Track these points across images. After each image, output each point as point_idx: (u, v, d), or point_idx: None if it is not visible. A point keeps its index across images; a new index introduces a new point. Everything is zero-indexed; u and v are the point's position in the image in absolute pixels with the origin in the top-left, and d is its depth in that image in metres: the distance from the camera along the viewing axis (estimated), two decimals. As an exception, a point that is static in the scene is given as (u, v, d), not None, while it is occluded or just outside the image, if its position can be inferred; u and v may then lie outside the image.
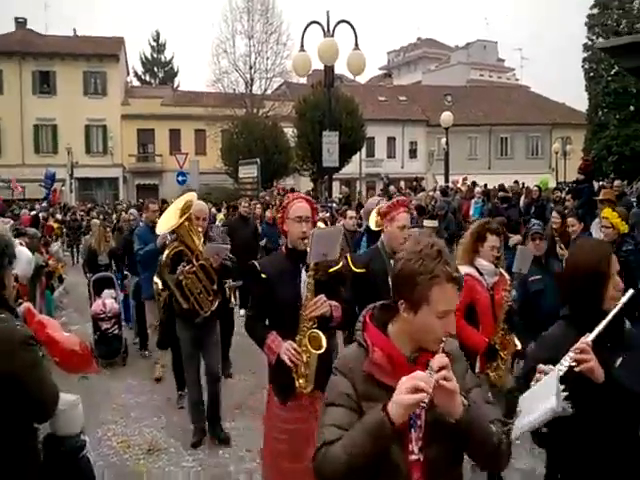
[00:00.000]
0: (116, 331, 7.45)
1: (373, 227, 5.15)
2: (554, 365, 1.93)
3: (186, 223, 4.47)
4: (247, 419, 5.48)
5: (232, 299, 6.56)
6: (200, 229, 4.76)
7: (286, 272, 3.16)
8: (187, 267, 4.48)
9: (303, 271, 3.12)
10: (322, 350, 3.04)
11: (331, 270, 3.18)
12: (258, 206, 12.56)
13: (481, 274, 3.94)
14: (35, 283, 8.75)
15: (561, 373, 1.86)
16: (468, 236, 4.10)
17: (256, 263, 3.26)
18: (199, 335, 4.79)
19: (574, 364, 1.89)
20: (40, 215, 15.66)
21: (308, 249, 3.05)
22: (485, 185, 15.77)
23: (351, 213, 7.54)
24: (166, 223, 4.62)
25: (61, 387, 2.40)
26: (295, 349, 3.06)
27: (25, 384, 2.17)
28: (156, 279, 5.14)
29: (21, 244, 7.52)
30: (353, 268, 3.62)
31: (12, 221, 10.82)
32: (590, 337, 1.93)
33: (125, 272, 8.53)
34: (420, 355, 1.67)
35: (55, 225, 16.90)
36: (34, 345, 2.29)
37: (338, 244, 3.11)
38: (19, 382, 2.15)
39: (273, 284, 3.15)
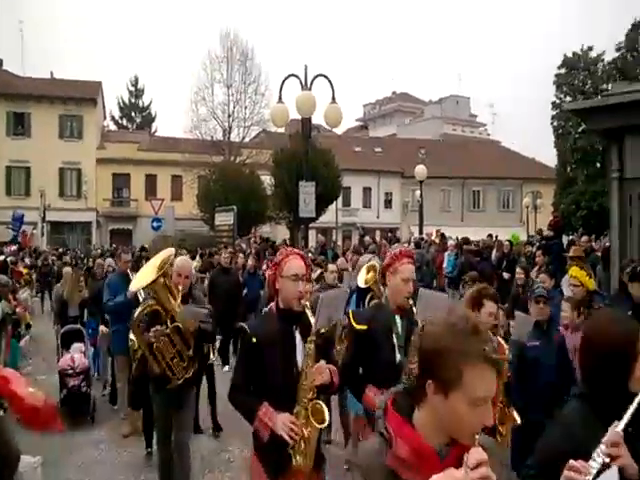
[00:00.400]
0: (84, 388, 7.01)
1: (362, 284, 5.04)
2: (580, 458, 1.70)
3: (162, 279, 4.16)
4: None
5: (211, 354, 6.22)
6: (181, 287, 4.41)
7: (279, 336, 2.89)
8: (160, 329, 4.09)
9: (297, 335, 2.91)
10: (325, 424, 2.83)
11: (322, 332, 3.10)
12: (241, 256, 12.40)
13: None
14: (1, 332, 8.49)
15: (594, 471, 1.64)
16: (465, 303, 3.90)
17: (245, 325, 2.95)
18: (172, 400, 4.41)
19: (607, 460, 1.67)
20: (8, 259, 15.29)
21: (310, 314, 2.90)
22: (457, 238, 15.98)
23: (332, 267, 7.45)
24: (142, 279, 4.33)
25: (23, 441, 2.29)
26: (294, 423, 2.75)
27: None
28: (132, 336, 4.77)
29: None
30: (355, 325, 3.43)
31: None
32: (620, 426, 1.72)
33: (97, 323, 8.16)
34: (452, 448, 1.43)
35: (24, 270, 16.48)
36: None
37: (343, 307, 3.17)
38: None
39: (264, 349, 2.85)
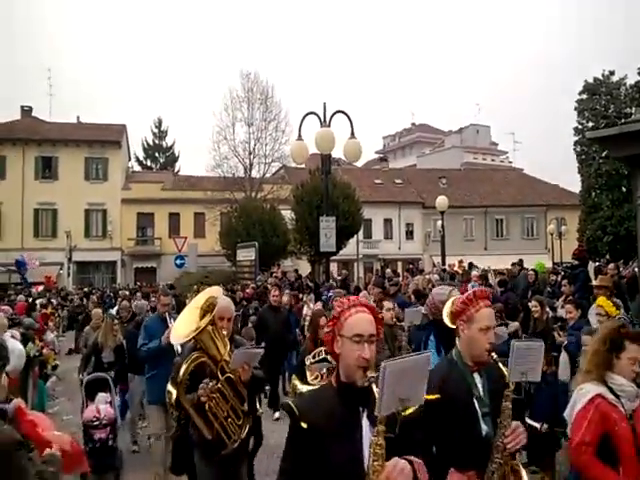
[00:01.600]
0: (111, 442, 6.48)
1: (448, 322, 3.85)
2: None
3: (209, 327, 3.49)
4: None
5: (258, 405, 5.59)
6: (225, 332, 3.73)
7: (339, 421, 2.12)
8: (210, 384, 3.39)
9: (365, 419, 2.13)
10: None
11: (407, 413, 2.10)
12: (286, 292, 11.38)
13: (617, 396, 2.99)
14: (28, 373, 8.59)
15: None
16: (597, 343, 3.19)
17: (293, 405, 2.17)
18: (223, 471, 3.69)
19: None
20: (38, 302, 15.58)
21: (376, 390, 2.06)
22: (483, 269, 15.77)
23: (388, 304, 6.31)
24: (184, 328, 3.60)
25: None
26: None
27: None
28: (170, 387, 3.81)
29: (13, 337, 7.44)
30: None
31: (10, 309, 10.76)
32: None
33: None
34: None
35: (52, 311, 16.73)
36: (20, 450, 2.25)
37: (424, 383, 2.11)
38: None
39: (320, 439, 2.11)
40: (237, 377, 3.54)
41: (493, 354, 2.69)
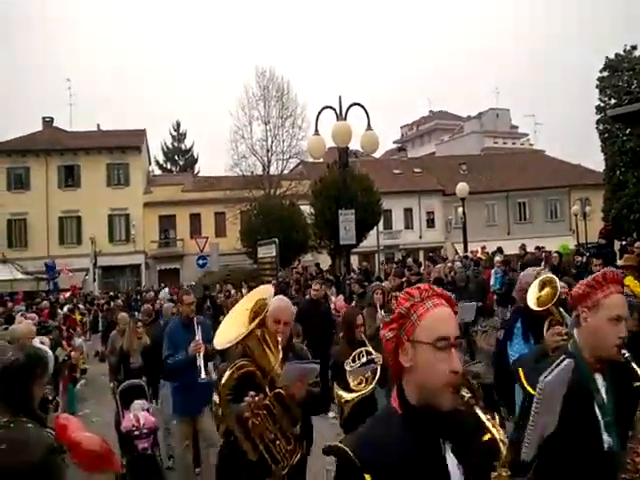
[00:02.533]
0: (154, 451, 6.16)
1: (534, 306, 3.61)
2: None
3: (258, 331, 2.98)
4: None
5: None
6: (280, 337, 3.16)
7: (416, 464, 1.53)
8: (256, 398, 2.86)
9: (450, 457, 1.58)
10: None
11: (485, 439, 1.56)
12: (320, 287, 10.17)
13: None
14: (58, 377, 8.76)
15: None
16: None
17: (348, 450, 1.57)
18: None
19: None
20: (66, 308, 15.88)
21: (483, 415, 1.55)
22: (502, 252, 15.58)
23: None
24: (230, 331, 3.08)
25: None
26: None
27: None
28: (215, 397, 3.25)
29: (42, 342, 7.58)
30: (532, 391, 1.93)
31: (36, 316, 10.98)
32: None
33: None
34: None
35: (79, 317, 17.03)
36: (58, 453, 2.34)
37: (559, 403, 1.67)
38: None
39: None
40: (290, 395, 2.96)
41: (624, 351, 2.18)
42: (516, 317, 4.02)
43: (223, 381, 2.93)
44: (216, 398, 3.18)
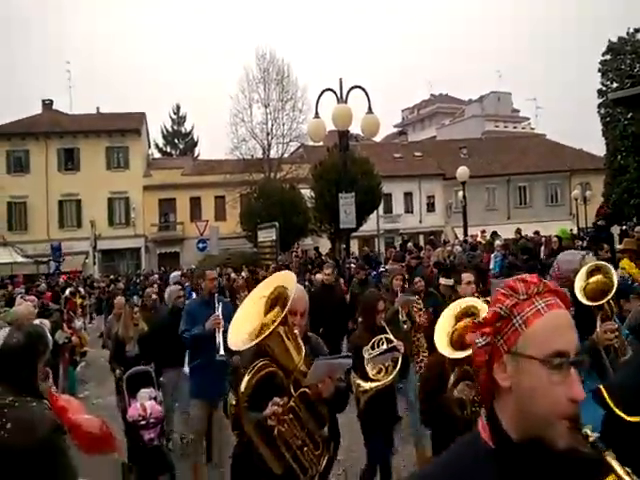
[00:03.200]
0: (161, 442, 5.92)
1: (583, 299, 3.09)
2: None
3: (280, 327, 2.53)
4: None
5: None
6: (297, 330, 2.78)
7: None
8: (281, 403, 2.50)
9: None
10: None
11: None
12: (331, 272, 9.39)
13: None
14: (58, 360, 8.81)
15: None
16: None
17: None
18: None
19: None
20: (67, 291, 15.91)
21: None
22: (513, 238, 15.59)
23: (469, 276, 5.11)
24: (245, 325, 2.65)
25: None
26: None
27: (54, 468, 2.21)
28: (232, 398, 2.87)
29: (42, 324, 7.60)
30: (622, 414, 1.66)
31: (36, 299, 11.01)
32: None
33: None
34: None
35: (79, 301, 17.07)
36: (62, 432, 2.37)
37: None
38: (49, 465, 2.20)
39: None
40: (315, 394, 2.64)
41: None
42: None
43: (242, 388, 2.51)
44: (232, 400, 2.82)
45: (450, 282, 8.16)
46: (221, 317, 4.85)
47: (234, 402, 2.93)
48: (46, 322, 8.23)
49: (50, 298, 13.08)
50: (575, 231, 20.66)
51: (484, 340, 1.21)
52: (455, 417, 2.82)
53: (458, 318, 2.96)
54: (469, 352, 2.63)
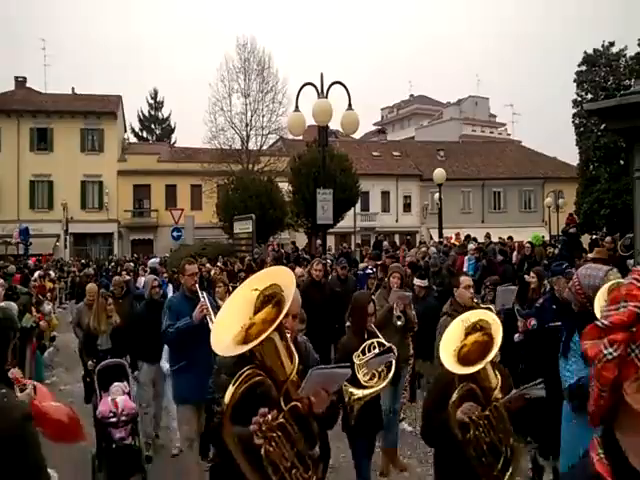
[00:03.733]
0: (132, 441, 5.49)
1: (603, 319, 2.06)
2: None
3: (275, 333, 2.13)
4: None
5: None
6: (289, 334, 2.41)
7: None
8: (269, 417, 2.16)
9: None
10: None
11: None
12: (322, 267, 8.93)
13: None
14: (25, 344, 8.64)
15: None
16: None
17: None
18: None
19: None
20: (36, 274, 15.58)
21: None
22: (482, 242, 15.81)
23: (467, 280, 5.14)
24: (231, 325, 2.22)
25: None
26: None
27: (24, 457, 2.16)
28: (219, 405, 2.46)
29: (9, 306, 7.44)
30: None
31: (3, 281, 10.76)
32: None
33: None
34: None
35: (49, 285, 16.74)
36: (32, 420, 2.30)
37: None
38: (18, 454, 2.14)
39: None
40: (305, 407, 2.31)
41: None
42: (572, 328, 3.23)
43: (227, 399, 2.13)
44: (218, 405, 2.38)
45: (425, 283, 8.27)
46: (208, 303, 4.72)
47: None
48: (13, 305, 8.09)
49: (19, 281, 12.77)
50: (547, 238, 21.05)
51: (615, 351, 0.92)
52: (456, 439, 2.69)
53: (467, 332, 2.80)
54: (478, 368, 2.63)
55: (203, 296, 4.85)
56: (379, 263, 11.47)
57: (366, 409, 4.09)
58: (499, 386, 2.77)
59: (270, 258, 16.00)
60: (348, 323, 4.72)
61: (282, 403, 2.23)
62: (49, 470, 2.81)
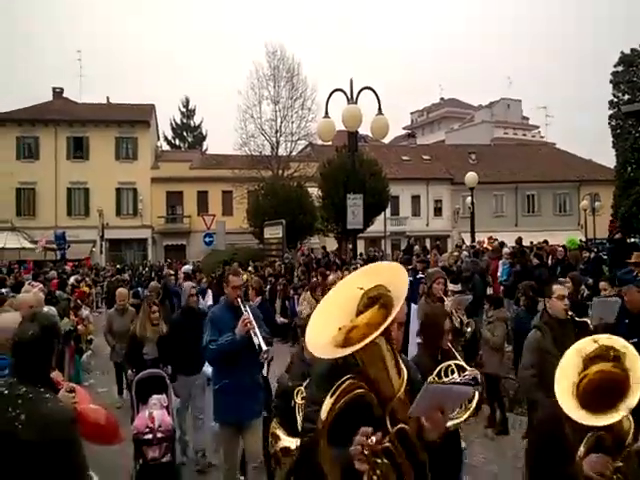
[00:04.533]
0: (167, 458, 5.15)
1: None
2: None
3: (382, 339, 1.84)
4: None
5: None
6: (395, 345, 2.00)
7: None
8: (373, 438, 1.76)
9: None
10: None
11: None
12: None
13: None
14: (64, 347, 8.86)
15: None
16: None
17: None
18: None
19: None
20: (73, 279, 15.96)
21: None
22: (514, 247, 15.48)
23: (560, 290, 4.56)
24: (329, 324, 1.92)
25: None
26: None
27: (68, 461, 2.21)
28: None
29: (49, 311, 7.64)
30: None
31: (42, 286, 11.06)
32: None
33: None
34: None
35: (86, 290, 17.11)
36: (76, 424, 2.36)
37: None
38: (63, 459, 2.19)
39: None
40: (415, 431, 1.91)
41: None
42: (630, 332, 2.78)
43: (324, 414, 1.80)
44: (280, 433, 2.24)
45: (458, 287, 8.24)
46: (251, 317, 4.49)
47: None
48: (54, 310, 8.30)
49: (56, 286, 13.12)
50: (583, 241, 20.63)
51: None
52: None
53: (586, 362, 2.25)
54: (617, 417, 2.04)
55: (246, 309, 4.61)
56: (410, 268, 11.41)
57: (445, 447, 3.24)
58: (632, 429, 2.19)
59: (300, 262, 16.09)
60: (419, 339, 4.16)
61: (388, 423, 1.86)
62: (90, 472, 2.88)
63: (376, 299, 1.89)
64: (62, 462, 2.24)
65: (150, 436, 5.07)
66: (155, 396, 5.40)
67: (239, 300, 4.70)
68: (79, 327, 10.65)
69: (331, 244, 27.72)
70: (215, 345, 4.46)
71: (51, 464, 2.20)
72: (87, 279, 20.03)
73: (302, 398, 3.11)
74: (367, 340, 1.73)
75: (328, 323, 1.91)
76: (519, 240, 16.46)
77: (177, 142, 57.26)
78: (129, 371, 6.16)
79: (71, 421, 2.34)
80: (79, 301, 12.91)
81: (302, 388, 3.15)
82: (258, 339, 4.32)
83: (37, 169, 36.99)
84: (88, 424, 2.96)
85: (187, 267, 12.67)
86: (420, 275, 8.78)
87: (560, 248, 13.78)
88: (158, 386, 5.55)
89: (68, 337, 9.13)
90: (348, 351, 1.77)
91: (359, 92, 11.95)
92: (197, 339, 4.84)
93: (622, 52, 34.22)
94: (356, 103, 11.75)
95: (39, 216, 36.92)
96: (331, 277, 9.75)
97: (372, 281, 1.94)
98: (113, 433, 3.27)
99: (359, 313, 1.90)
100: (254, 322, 4.43)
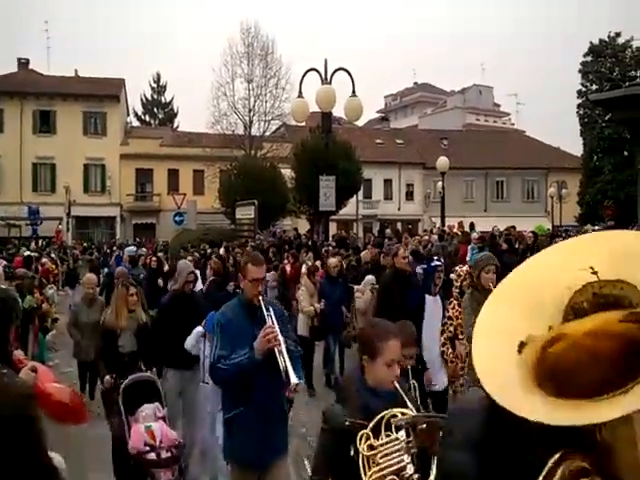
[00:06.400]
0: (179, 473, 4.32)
1: None
2: None
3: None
4: None
5: None
6: None
7: None
8: None
9: None
10: None
11: None
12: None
13: None
14: (28, 326, 8.69)
15: None
16: None
17: None
18: None
19: None
20: (31, 255, 15.61)
21: None
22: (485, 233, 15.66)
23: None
24: (509, 352, 0.94)
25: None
26: None
27: (27, 437, 2.16)
28: None
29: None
30: None
31: (4, 262, 10.82)
32: None
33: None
34: None
35: (52, 267, 16.77)
36: (34, 400, 2.30)
37: None
38: (21, 435, 2.14)
39: None
40: None
41: None
42: None
43: None
44: None
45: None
46: (277, 328, 3.26)
47: None
48: (10, 287, 8.11)
49: (20, 263, 12.83)
50: (550, 228, 21.04)
51: None
52: None
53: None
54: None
55: (269, 313, 3.36)
56: (381, 251, 11.45)
57: None
58: None
59: (271, 244, 16.02)
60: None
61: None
62: (52, 453, 2.83)
63: (616, 303, 0.96)
64: (16, 440, 2.18)
65: (153, 455, 4.13)
66: (146, 405, 4.41)
67: (260, 298, 3.43)
68: (44, 306, 10.46)
69: (303, 226, 27.68)
70: (226, 365, 3.26)
71: (6, 442, 2.15)
72: (53, 256, 19.63)
73: (370, 447, 2.19)
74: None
75: (502, 333, 1.01)
76: (496, 231, 16.33)
77: (147, 118, 56.05)
78: (106, 377, 4.84)
79: (28, 397, 2.28)
80: (44, 280, 12.70)
81: (369, 431, 2.21)
82: (284, 362, 3.13)
83: (1, 143, 35.80)
84: (52, 403, 2.91)
85: (130, 249, 12.01)
86: (436, 262, 7.17)
87: (530, 234, 13.98)
88: (148, 393, 4.53)
89: (31, 315, 8.95)
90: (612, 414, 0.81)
91: (333, 73, 11.88)
92: (188, 328, 4.31)
93: (591, 42, 34.75)
94: (330, 84, 11.68)
95: (3, 191, 35.77)
96: (332, 260, 8.53)
97: (609, 266, 0.99)
98: (79, 412, 3.22)
99: (572, 316, 0.98)
100: (280, 336, 3.20)
